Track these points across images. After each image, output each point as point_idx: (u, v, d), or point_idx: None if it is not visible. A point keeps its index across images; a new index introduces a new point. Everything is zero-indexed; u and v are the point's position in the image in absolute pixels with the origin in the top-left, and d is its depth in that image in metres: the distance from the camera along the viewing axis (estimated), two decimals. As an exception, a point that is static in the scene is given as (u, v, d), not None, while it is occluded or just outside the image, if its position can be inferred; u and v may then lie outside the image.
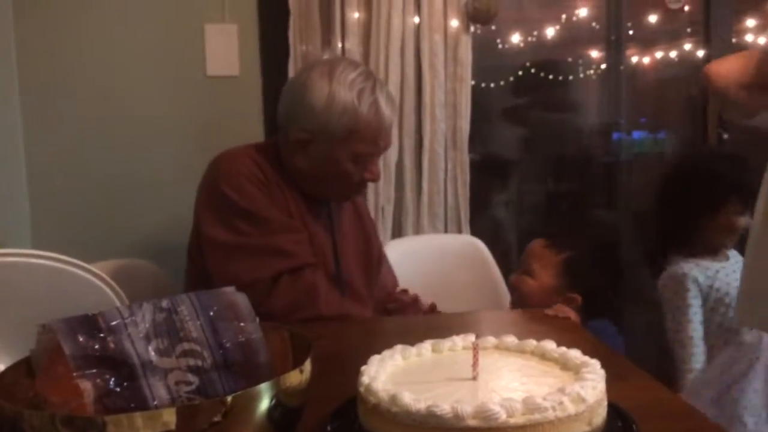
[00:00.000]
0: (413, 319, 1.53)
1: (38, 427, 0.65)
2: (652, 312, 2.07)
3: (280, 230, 1.51)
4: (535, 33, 2.85)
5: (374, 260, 1.76)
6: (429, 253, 1.87)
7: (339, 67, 1.55)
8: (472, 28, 2.22)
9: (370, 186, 2.17)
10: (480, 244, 2.05)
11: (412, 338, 1.00)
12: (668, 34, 2.82)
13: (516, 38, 2.84)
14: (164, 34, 2.18)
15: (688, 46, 2.75)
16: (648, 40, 2.83)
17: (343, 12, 2.16)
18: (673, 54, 2.84)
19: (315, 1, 2.18)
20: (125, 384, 0.71)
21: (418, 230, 2.21)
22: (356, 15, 2.17)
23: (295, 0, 2.15)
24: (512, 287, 1.73)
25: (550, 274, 1.64)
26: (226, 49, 2.18)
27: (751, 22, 2.74)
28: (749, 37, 2.75)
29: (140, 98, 2.18)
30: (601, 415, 0.81)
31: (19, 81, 2.14)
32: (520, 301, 1.68)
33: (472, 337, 0.98)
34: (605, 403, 0.82)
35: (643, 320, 2.77)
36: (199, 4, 2.18)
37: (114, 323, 0.73)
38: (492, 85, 2.83)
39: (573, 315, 1.47)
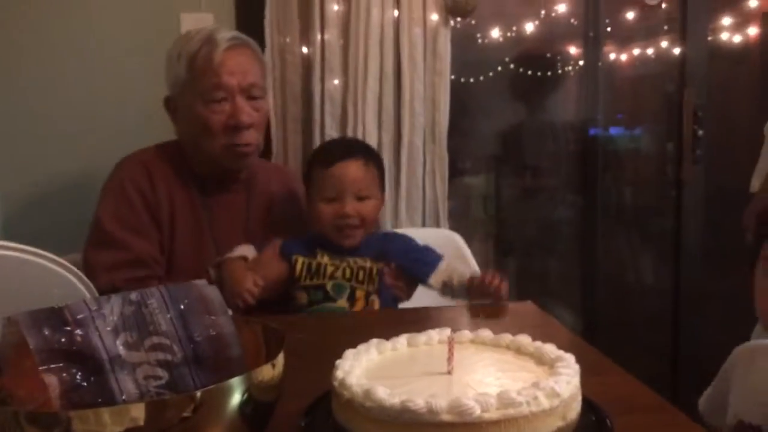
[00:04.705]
0: (389, 313, 1.52)
1: (2, 423, 0.64)
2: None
3: (108, 245, 1.55)
4: (515, 28, 2.85)
5: None
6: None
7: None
8: (451, 22, 2.22)
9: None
10: (458, 238, 2.04)
11: (388, 332, 1.00)
12: (645, 31, 2.84)
13: (495, 33, 2.84)
14: (140, 23, 2.15)
15: (664, 43, 2.77)
16: (625, 36, 2.85)
17: (322, 3, 2.13)
18: (649, 51, 2.86)
19: (293, -8, 2.16)
20: (92, 378, 0.70)
21: (396, 224, 2.20)
22: (335, 7, 2.15)
23: (271, -10, 2.12)
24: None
25: None
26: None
27: (726, 21, 2.77)
28: (726, 35, 2.78)
29: (115, 89, 2.15)
30: (575, 409, 0.81)
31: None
32: None
33: (447, 331, 0.98)
34: (579, 397, 0.83)
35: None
36: (175, -7, 2.15)
37: (81, 316, 0.71)
38: (471, 79, 2.84)
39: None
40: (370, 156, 1.65)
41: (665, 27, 2.75)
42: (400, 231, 1.96)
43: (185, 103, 1.60)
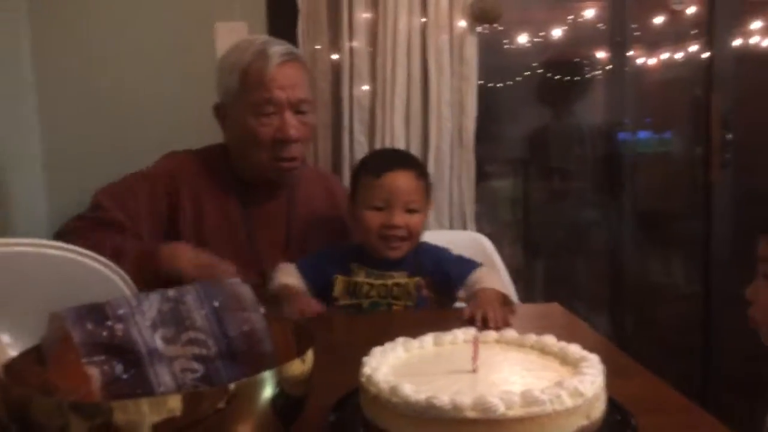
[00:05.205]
0: (416, 313, 1.53)
1: (47, 412, 0.67)
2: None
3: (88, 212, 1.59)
4: (542, 33, 2.86)
5: None
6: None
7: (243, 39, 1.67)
8: (478, 28, 2.23)
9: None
10: (485, 240, 2.04)
11: (415, 331, 1.02)
12: (672, 36, 2.82)
13: (523, 39, 2.85)
14: (176, 32, 2.22)
15: (692, 48, 2.76)
16: (652, 41, 2.84)
17: (351, 11, 2.17)
18: (677, 55, 2.85)
19: (323, 1, 2.20)
20: (132, 371, 0.73)
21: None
22: (364, 15, 2.18)
23: (303, -1, 2.17)
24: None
25: None
26: (236, 47, 2.19)
27: (756, 24, 2.74)
28: (754, 39, 2.76)
29: (152, 94, 2.21)
30: (599, 408, 0.82)
31: (35, 77, 2.18)
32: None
33: (473, 331, 1.00)
34: (604, 397, 0.83)
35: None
36: (209, 3, 2.21)
37: (121, 312, 0.75)
38: (500, 84, 2.85)
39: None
40: (421, 169, 1.63)
41: (692, 31, 2.74)
42: (431, 236, 1.94)
43: (235, 113, 1.62)
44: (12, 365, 0.76)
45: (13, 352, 0.84)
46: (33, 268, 0.89)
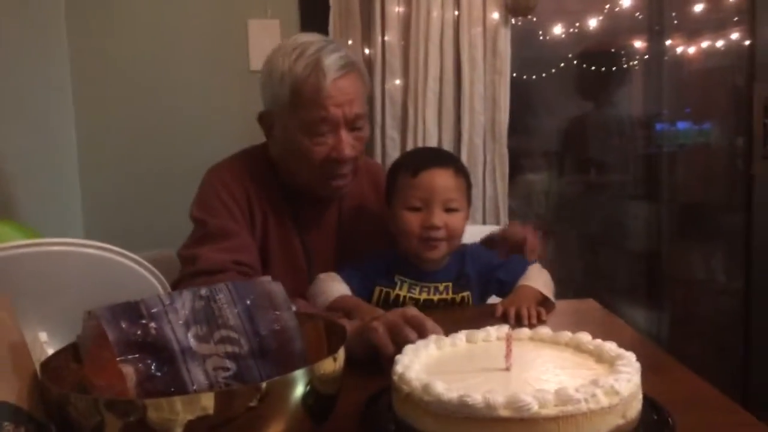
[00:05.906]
0: (448, 311, 1.51)
1: (83, 410, 0.68)
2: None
3: (211, 237, 1.46)
4: (577, 24, 2.82)
5: None
6: (468, 245, 1.84)
7: (289, 39, 1.51)
8: (512, 21, 2.21)
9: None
10: (518, 236, 2.02)
11: (447, 329, 1.01)
12: (713, 23, 2.76)
13: (558, 29, 2.82)
14: (209, 30, 2.25)
15: (733, 36, 2.69)
16: (692, 29, 2.78)
17: (383, 5, 2.17)
18: (717, 43, 2.78)
19: (355, -4, 2.20)
20: (165, 369, 0.73)
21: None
22: (396, 9, 2.18)
23: (335, -6, 2.17)
24: None
25: None
26: (269, 44, 2.18)
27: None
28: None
29: (186, 92, 2.25)
30: (635, 407, 0.80)
31: (71, 75, 2.23)
32: None
33: (506, 328, 0.99)
34: (640, 396, 0.82)
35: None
36: (242, 0, 2.23)
37: (155, 310, 0.75)
38: (534, 76, 2.82)
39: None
40: (460, 167, 1.54)
41: (734, 19, 2.67)
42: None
43: (284, 125, 1.49)
44: (49, 362, 0.78)
45: (50, 350, 0.85)
46: (69, 267, 0.90)
